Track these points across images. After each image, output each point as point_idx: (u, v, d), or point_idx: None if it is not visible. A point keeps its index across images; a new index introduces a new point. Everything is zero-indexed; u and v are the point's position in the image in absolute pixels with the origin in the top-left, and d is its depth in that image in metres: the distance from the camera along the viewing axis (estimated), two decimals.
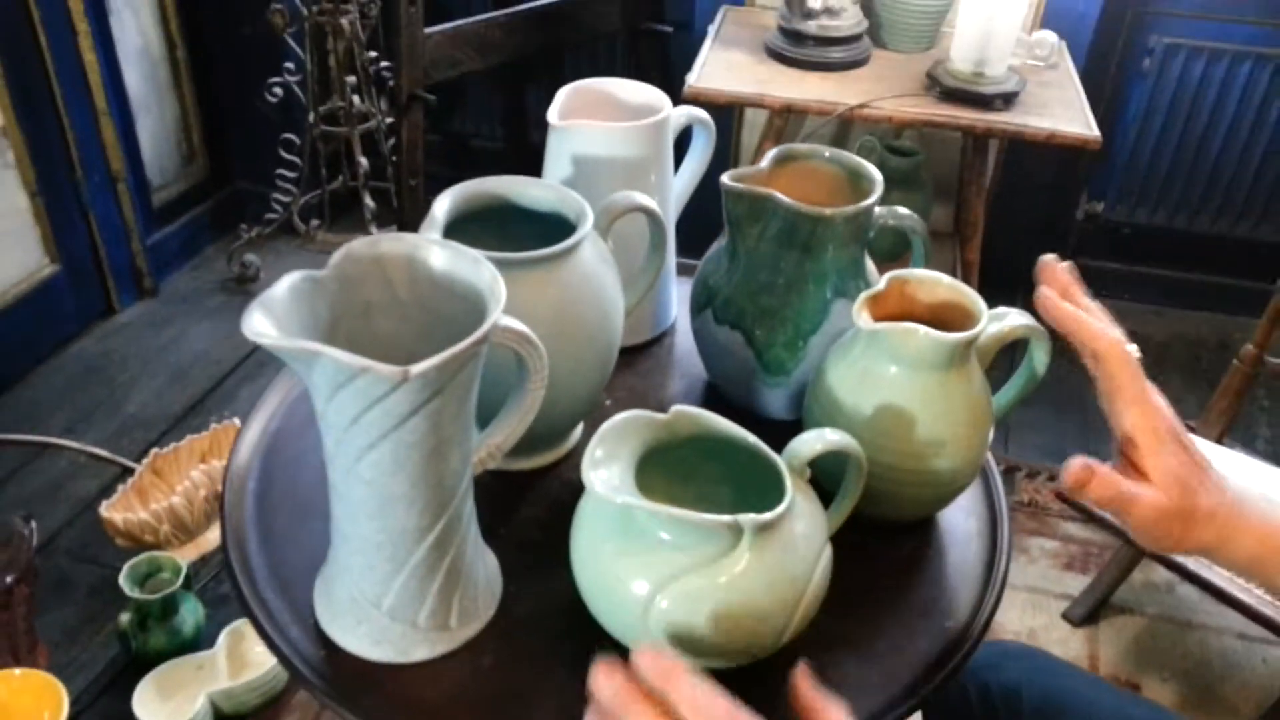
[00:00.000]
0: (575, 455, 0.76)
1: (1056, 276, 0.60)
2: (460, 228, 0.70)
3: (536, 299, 0.65)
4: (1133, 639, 1.55)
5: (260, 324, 0.49)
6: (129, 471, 1.62)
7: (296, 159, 2.16)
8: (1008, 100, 1.66)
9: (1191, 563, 1.32)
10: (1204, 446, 0.59)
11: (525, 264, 0.65)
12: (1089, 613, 1.57)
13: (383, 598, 0.57)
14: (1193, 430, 1.52)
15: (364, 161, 2.13)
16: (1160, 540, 0.57)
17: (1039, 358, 0.71)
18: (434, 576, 0.57)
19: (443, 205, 0.69)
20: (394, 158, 2.15)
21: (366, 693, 0.57)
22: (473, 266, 0.56)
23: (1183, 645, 1.54)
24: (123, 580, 1.30)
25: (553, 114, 0.80)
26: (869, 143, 1.96)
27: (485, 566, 0.63)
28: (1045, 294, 0.58)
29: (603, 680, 0.44)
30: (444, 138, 2.47)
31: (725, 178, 0.74)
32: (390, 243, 0.57)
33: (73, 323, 2.03)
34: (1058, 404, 2.02)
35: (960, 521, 0.73)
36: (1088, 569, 1.65)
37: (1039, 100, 1.70)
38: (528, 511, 0.71)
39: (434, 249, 0.57)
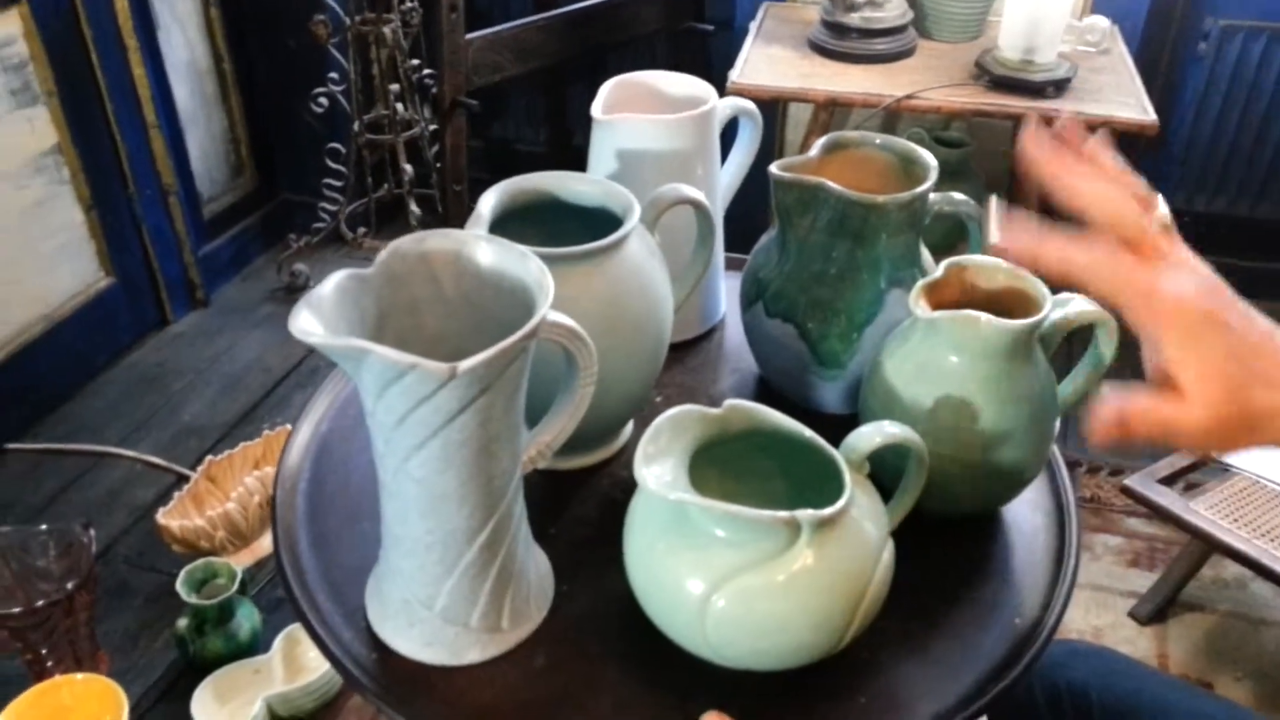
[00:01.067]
0: (625, 453, 0.75)
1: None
2: (506, 225, 0.69)
3: (584, 294, 0.64)
4: (1203, 637, 1.50)
5: (308, 323, 0.49)
6: (184, 479, 1.64)
7: (342, 168, 2.18)
8: (1059, 87, 1.62)
9: (1266, 558, 1.27)
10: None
11: (572, 259, 0.64)
12: (1157, 610, 1.52)
13: (434, 599, 0.56)
14: None
15: (408, 169, 2.15)
16: (1224, 447, 0.48)
17: (1105, 345, 0.69)
18: (485, 577, 0.56)
19: (488, 202, 0.68)
20: (438, 164, 2.16)
21: (419, 695, 0.57)
22: (520, 261, 0.55)
23: (1256, 643, 1.49)
24: (179, 586, 1.31)
25: (596, 108, 0.79)
26: (917, 134, 1.93)
27: (537, 567, 0.62)
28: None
29: None
30: (487, 143, 2.47)
31: (774, 167, 0.72)
32: (437, 239, 0.56)
33: (128, 334, 2.06)
34: None
35: (1026, 516, 0.70)
36: (1154, 565, 1.60)
37: (1091, 86, 1.66)
38: (578, 510, 0.70)
39: (481, 245, 0.56)
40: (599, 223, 0.69)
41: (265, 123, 2.36)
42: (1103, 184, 0.51)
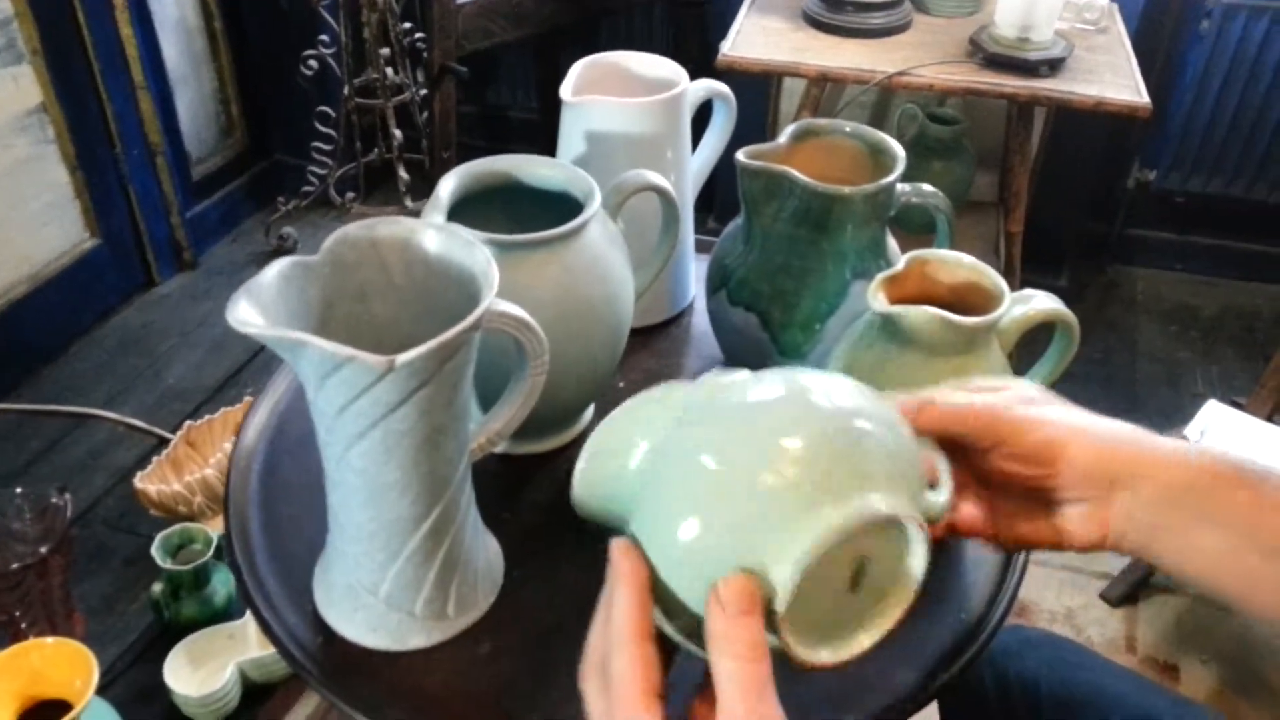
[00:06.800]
0: (584, 438, 0.74)
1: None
2: (468, 208, 0.68)
3: (540, 282, 0.64)
4: (1173, 620, 1.51)
5: (246, 312, 0.48)
6: (167, 442, 1.64)
7: (332, 131, 2.16)
8: (1054, 66, 1.60)
9: None
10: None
11: (528, 246, 0.63)
12: (1128, 592, 1.53)
13: (379, 585, 0.56)
14: (1240, 407, 1.47)
15: (398, 134, 2.13)
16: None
17: (1065, 342, 0.69)
18: (430, 565, 0.56)
19: (448, 186, 0.67)
20: (428, 130, 2.14)
21: (362, 681, 0.57)
22: (467, 250, 0.54)
23: (1225, 627, 1.50)
24: (154, 551, 1.32)
25: (566, 89, 0.78)
26: (910, 111, 1.91)
27: (486, 553, 0.62)
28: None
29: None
30: (480, 109, 2.45)
31: (741, 155, 0.72)
32: (386, 226, 0.56)
33: (113, 295, 2.06)
34: (1103, 381, 1.97)
35: None
36: None
37: (1087, 66, 1.64)
38: (534, 496, 0.70)
39: (429, 232, 0.56)
40: (563, 206, 0.69)
41: (256, 83, 2.33)
42: None
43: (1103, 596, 1.54)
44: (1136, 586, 1.53)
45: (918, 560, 0.42)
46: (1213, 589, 0.49)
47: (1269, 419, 1.46)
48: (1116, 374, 2.00)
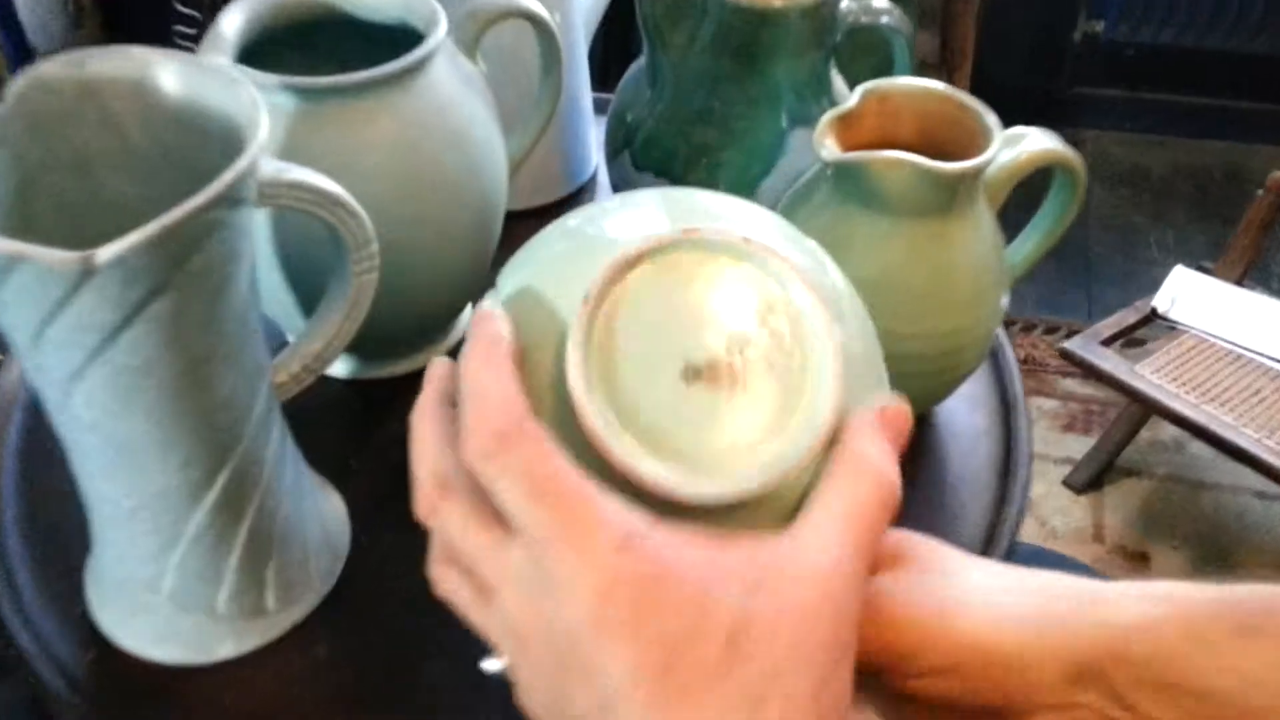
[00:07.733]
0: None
1: None
2: (273, 53, 0.50)
3: (367, 141, 0.47)
4: (1140, 504, 1.42)
5: None
6: None
7: (194, 13, 1.90)
8: None
9: (1204, 418, 1.17)
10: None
11: (346, 92, 0.46)
12: (1093, 477, 1.43)
13: (159, 579, 0.40)
14: (1208, 271, 1.35)
15: None
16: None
17: (1067, 194, 0.53)
18: (228, 547, 0.40)
19: (234, 19, 0.49)
20: None
21: (150, 709, 0.41)
22: (228, 92, 0.36)
23: (1195, 507, 1.42)
24: None
25: None
26: None
27: (321, 519, 0.46)
28: None
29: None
30: None
31: None
32: (105, 60, 0.38)
33: None
34: (1057, 250, 1.85)
35: (963, 416, 0.56)
36: (1090, 429, 1.51)
37: None
38: (396, 431, 0.54)
39: (170, 68, 0.38)
40: (405, 49, 0.51)
41: None
42: None
43: (1066, 483, 1.44)
44: (1101, 470, 1.43)
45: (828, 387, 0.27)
46: None
47: (1239, 283, 1.34)
48: (1070, 240, 1.88)
